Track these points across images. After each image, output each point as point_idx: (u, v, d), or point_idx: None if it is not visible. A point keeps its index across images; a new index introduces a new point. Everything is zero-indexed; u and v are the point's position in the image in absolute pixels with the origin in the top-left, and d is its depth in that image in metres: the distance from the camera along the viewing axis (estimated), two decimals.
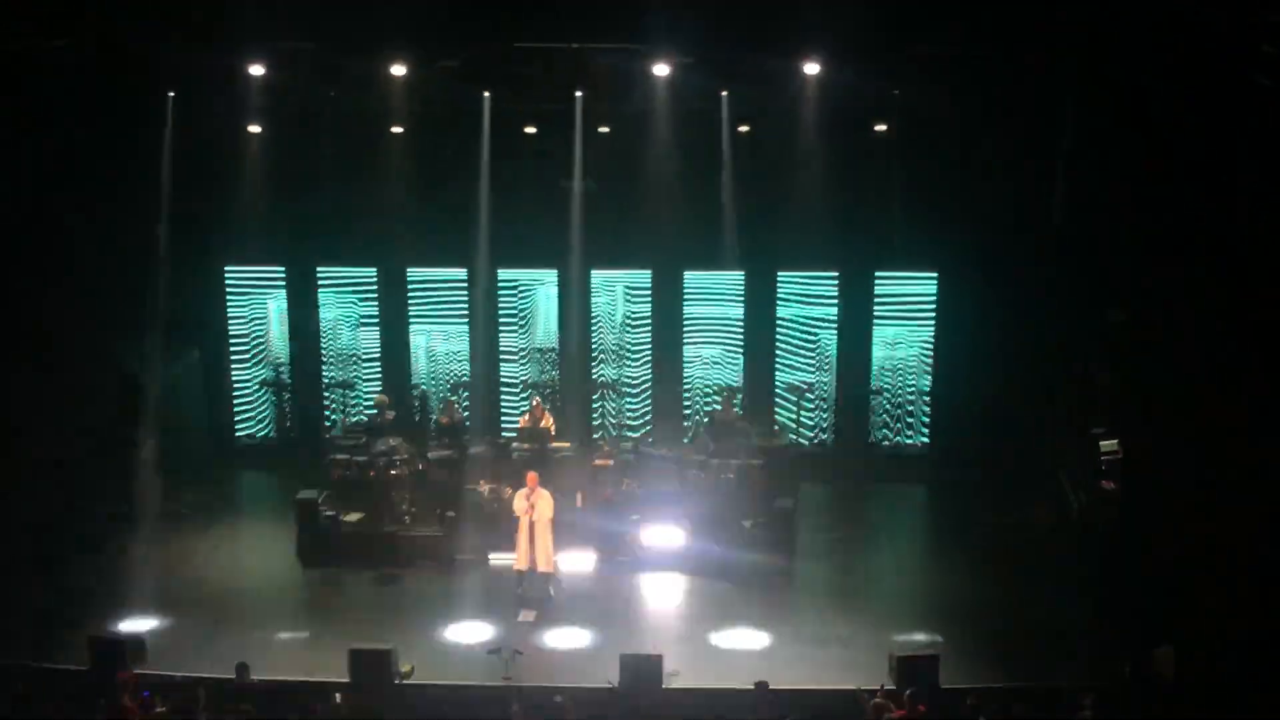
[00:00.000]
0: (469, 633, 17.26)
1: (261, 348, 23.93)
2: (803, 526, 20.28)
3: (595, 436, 22.92)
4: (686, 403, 23.55)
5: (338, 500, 20.11)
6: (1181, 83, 17.35)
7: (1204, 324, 17.83)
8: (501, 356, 23.67)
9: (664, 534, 19.45)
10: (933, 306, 22.83)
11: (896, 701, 14.13)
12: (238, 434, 24.02)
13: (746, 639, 17.13)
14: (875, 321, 23.03)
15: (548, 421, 21.10)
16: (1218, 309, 17.42)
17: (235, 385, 23.96)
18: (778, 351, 23.28)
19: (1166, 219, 18.25)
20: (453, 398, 22.33)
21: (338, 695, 15.03)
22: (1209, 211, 17.58)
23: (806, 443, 23.14)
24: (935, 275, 22.71)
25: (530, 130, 21.71)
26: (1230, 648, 15.34)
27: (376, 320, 23.78)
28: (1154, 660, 15.17)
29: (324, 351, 23.82)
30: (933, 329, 22.89)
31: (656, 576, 19.08)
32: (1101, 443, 19.51)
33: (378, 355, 23.87)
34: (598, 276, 23.30)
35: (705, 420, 22.16)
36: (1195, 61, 17.11)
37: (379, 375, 23.78)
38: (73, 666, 15.67)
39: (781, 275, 23.11)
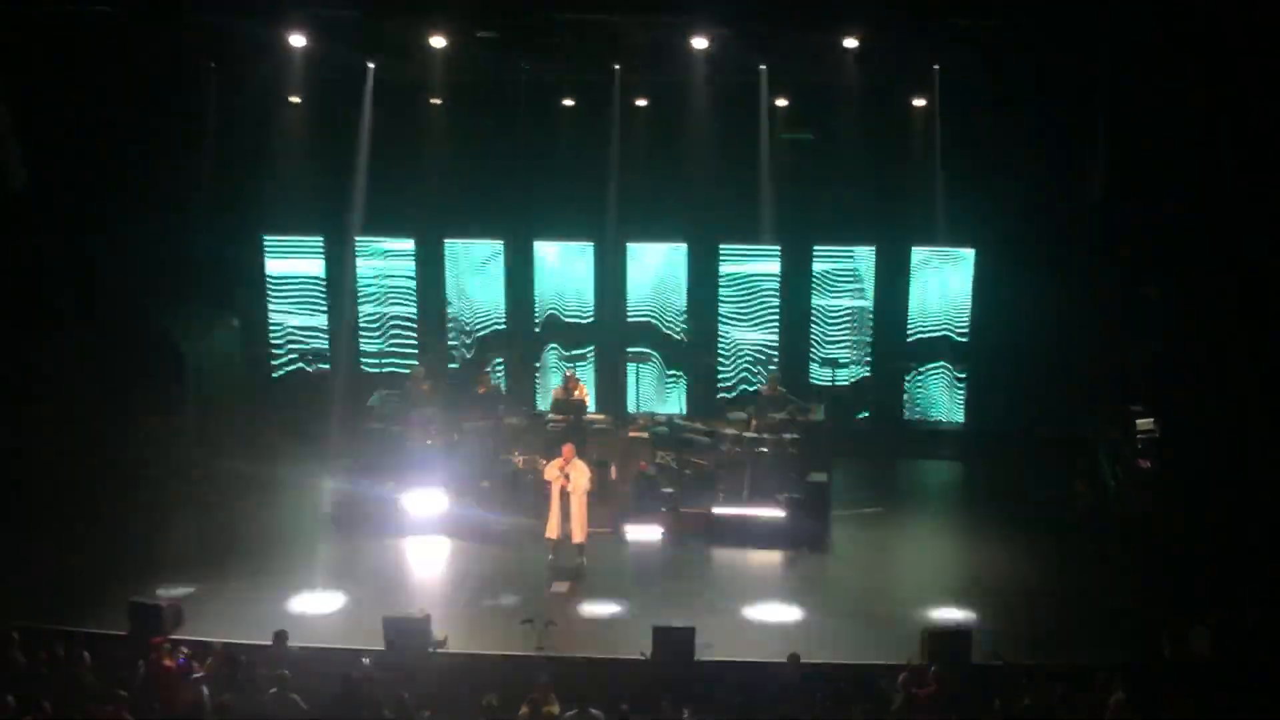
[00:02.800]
0: (503, 602, 17.33)
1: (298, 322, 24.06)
2: (837, 501, 20.25)
3: (630, 410, 22.94)
4: (722, 376, 23.53)
5: (373, 469, 20.21)
6: (1224, 58, 17.18)
7: (1242, 302, 17.72)
8: (537, 327, 23.69)
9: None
10: (970, 282, 22.70)
11: (925, 677, 14.13)
12: (275, 401, 24.14)
13: (779, 613, 17.14)
14: (912, 296, 22.95)
15: (581, 393, 21.13)
16: (1255, 287, 17.30)
17: (273, 355, 24.08)
18: (812, 326, 23.23)
19: (1208, 195, 18.11)
20: (487, 369, 22.38)
21: (366, 659, 15.14)
22: (1250, 189, 17.43)
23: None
24: (973, 250, 22.58)
25: (568, 103, 21.65)
26: (1266, 627, 15.26)
27: (414, 291, 23.83)
28: (1190, 640, 15.10)
29: (362, 322, 23.88)
30: (970, 304, 22.75)
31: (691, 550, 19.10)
32: (1138, 421, 19.39)
33: (413, 325, 23.94)
34: (633, 248, 23.28)
35: (752, 397, 22.07)
36: (1238, 36, 16.93)
37: (415, 346, 23.84)
38: (112, 631, 15.84)
39: (816, 249, 23.05)
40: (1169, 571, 17.37)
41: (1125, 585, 17.54)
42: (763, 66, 20.86)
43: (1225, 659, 14.78)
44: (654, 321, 23.59)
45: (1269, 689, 14.11)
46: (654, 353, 23.60)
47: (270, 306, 24.05)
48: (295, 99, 21.79)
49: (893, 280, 22.99)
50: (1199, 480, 18.18)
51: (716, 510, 19.44)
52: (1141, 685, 13.82)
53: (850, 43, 19.61)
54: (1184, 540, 17.78)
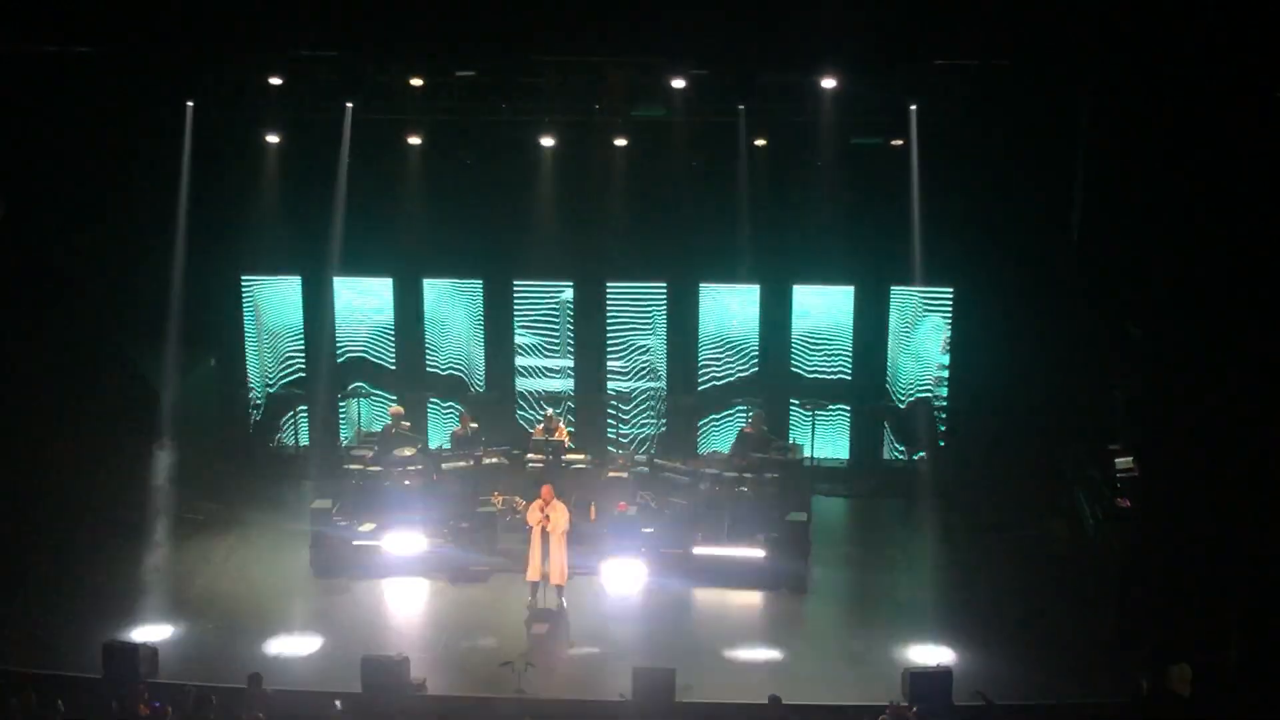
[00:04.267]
0: (481, 644, 17.22)
1: (276, 356, 23.97)
2: (816, 540, 20.20)
3: (609, 449, 22.89)
4: (701, 416, 23.52)
5: (351, 510, 20.11)
6: (1200, 95, 17.32)
7: (1222, 339, 17.77)
8: (517, 367, 23.64)
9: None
10: (948, 320, 22.77)
11: (907, 717, 14.09)
12: (252, 442, 24.00)
13: (760, 653, 17.08)
14: (891, 335, 23.00)
15: (562, 433, 21.11)
16: (1236, 324, 17.37)
17: (250, 393, 23.97)
18: (793, 364, 23.25)
19: (1185, 233, 18.21)
20: (465, 410, 22.30)
21: (338, 703, 15.01)
22: (1229, 226, 17.53)
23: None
24: (951, 290, 22.65)
25: (547, 142, 21.74)
26: (1246, 665, 15.26)
27: (392, 329, 23.78)
28: (1170, 677, 15.08)
29: (339, 360, 23.80)
30: (949, 343, 22.81)
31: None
32: (1118, 459, 19.42)
33: (392, 364, 23.87)
34: (614, 288, 23.30)
35: (735, 437, 22.00)
36: (1214, 74, 17.08)
37: (394, 385, 23.76)
38: (86, 674, 15.67)
39: (798, 288, 23.10)
40: (1148, 610, 17.35)
41: (1104, 623, 17.52)
42: (741, 106, 20.96)
43: (1204, 697, 14.76)
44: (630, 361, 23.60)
45: None
46: (634, 391, 23.54)
47: (249, 346, 23.90)
48: (274, 138, 21.80)
49: (873, 319, 23.00)
50: (1178, 519, 18.18)
51: (696, 550, 19.38)
52: None
53: (828, 83, 19.74)
54: (1163, 579, 17.78)
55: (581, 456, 21.14)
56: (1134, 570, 18.15)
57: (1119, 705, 14.62)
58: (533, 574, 18.09)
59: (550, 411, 21.75)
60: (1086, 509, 20.04)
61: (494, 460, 20.98)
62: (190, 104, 21.09)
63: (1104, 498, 19.49)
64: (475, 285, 23.50)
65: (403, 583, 19.25)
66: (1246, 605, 16.59)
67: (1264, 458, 16.36)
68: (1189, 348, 18.15)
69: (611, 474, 20.73)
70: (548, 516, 17.96)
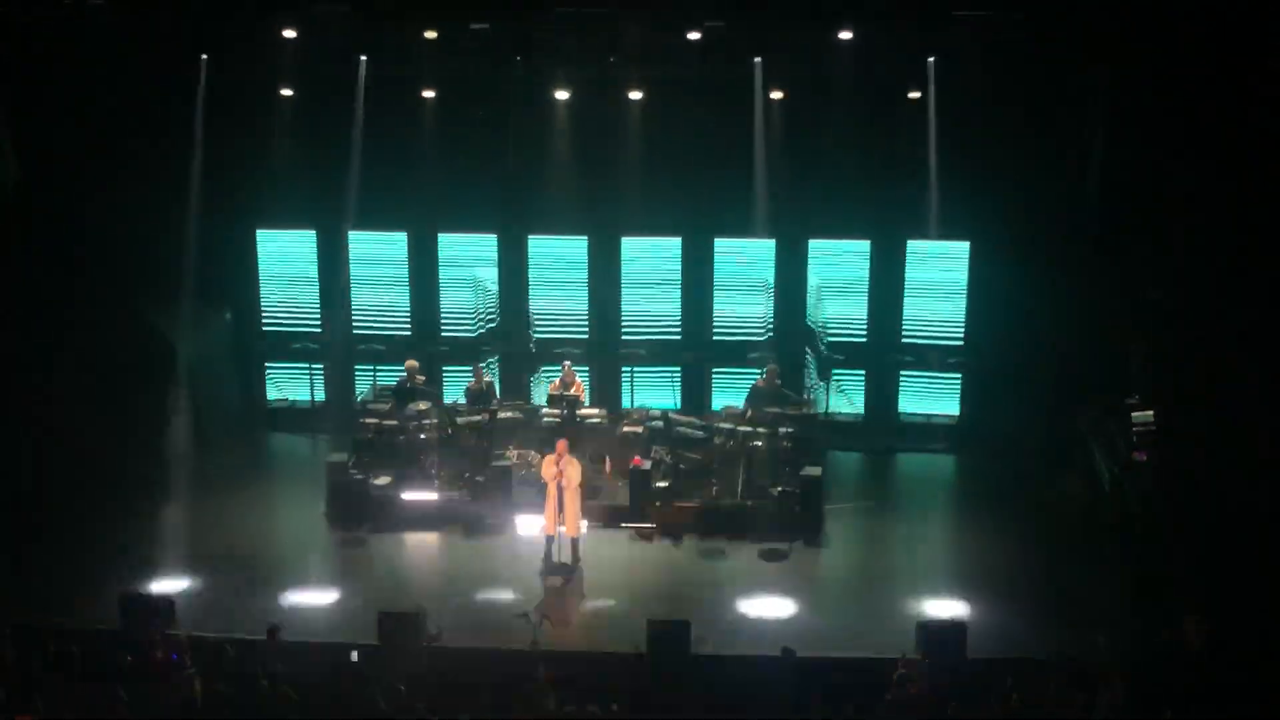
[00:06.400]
0: (497, 597, 17.29)
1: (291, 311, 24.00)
2: (831, 495, 20.22)
3: (625, 404, 22.88)
4: (715, 371, 23.49)
5: (367, 464, 20.17)
6: (1223, 50, 17.16)
7: (1241, 296, 17.69)
8: (534, 321, 23.61)
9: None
10: (965, 275, 22.66)
11: (918, 670, 14.11)
12: (269, 396, 24.07)
13: (774, 607, 17.12)
14: (907, 291, 22.91)
15: (578, 388, 21.10)
16: (1255, 280, 17.28)
17: (267, 348, 24.01)
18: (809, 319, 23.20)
19: (1206, 187, 18.09)
20: (481, 364, 22.30)
21: (354, 654, 15.10)
22: (1251, 183, 17.41)
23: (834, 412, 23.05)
24: (968, 243, 22.52)
25: (562, 96, 21.61)
26: (1260, 617, 15.26)
27: (407, 284, 23.75)
28: (1184, 630, 15.08)
29: (355, 315, 23.80)
30: (965, 298, 22.71)
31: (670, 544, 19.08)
32: (1134, 414, 19.36)
33: (408, 319, 23.87)
34: (628, 243, 23.22)
35: (748, 392, 21.98)
36: (1237, 30, 16.92)
37: (409, 339, 23.76)
38: (103, 625, 15.78)
39: (813, 242, 23.00)
40: (1164, 564, 17.34)
41: (1120, 578, 17.51)
42: (758, 59, 20.81)
43: (1219, 651, 14.76)
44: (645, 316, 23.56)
45: (1263, 682, 14.09)
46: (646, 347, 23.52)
47: (263, 295, 23.88)
48: (288, 92, 21.73)
49: (890, 273, 22.90)
50: (1195, 473, 18.15)
51: (711, 504, 19.40)
52: (1136, 677, 13.81)
53: (845, 35, 19.58)
54: (1179, 533, 17.75)
55: (597, 412, 21.14)
56: (1150, 525, 18.14)
57: (1135, 659, 14.59)
58: (548, 528, 18.14)
59: (567, 364, 21.65)
60: (1102, 463, 20.00)
61: (509, 414, 21.00)
62: (204, 58, 21.03)
63: (1120, 452, 19.45)
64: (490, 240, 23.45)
65: (418, 536, 19.33)
66: (1263, 559, 16.58)
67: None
68: (1208, 302, 18.08)
69: (626, 429, 20.74)
70: (562, 471, 17.98)
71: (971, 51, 20.05)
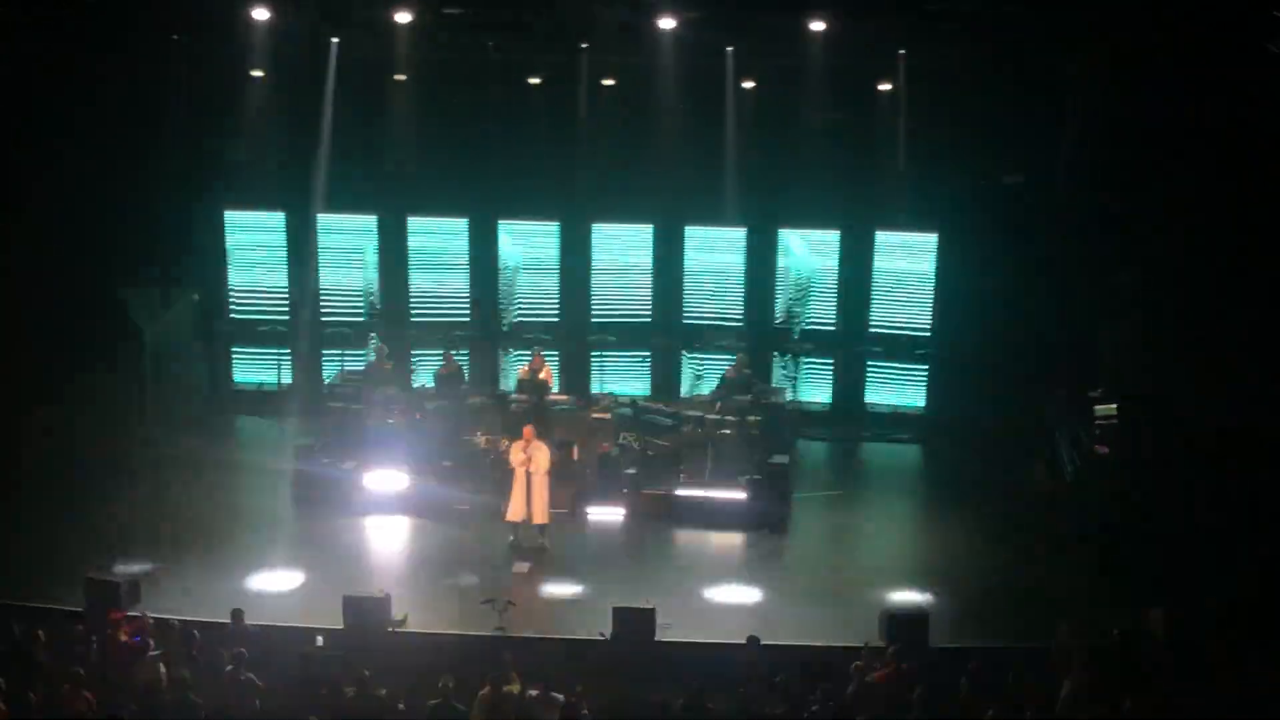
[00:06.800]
0: (463, 582, 17.29)
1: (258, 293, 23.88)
2: (798, 483, 20.30)
3: (593, 390, 22.91)
4: (686, 358, 23.53)
5: (334, 447, 20.11)
6: (1193, 42, 17.27)
7: (1210, 287, 17.82)
8: (500, 306, 23.60)
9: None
10: (933, 265, 22.75)
11: (881, 659, 14.17)
12: (235, 379, 23.97)
13: (739, 594, 17.18)
14: (875, 281, 22.99)
15: (547, 373, 21.09)
16: (1223, 271, 17.41)
17: (233, 330, 23.89)
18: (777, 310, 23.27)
19: (1174, 180, 18.21)
20: (450, 349, 22.26)
21: (319, 639, 15.08)
22: (1218, 175, 17.53)
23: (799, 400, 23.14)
24: (936, 234, 22.62)
25: (534, 81, 21.58)
26: (1220, 609, 15.40)
27: (376, 267, 23.67)
28: (1145, 621, 15.21)
29: (322, 298, 23.71)
30: (932, 288, 22.80)
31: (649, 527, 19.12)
32: (1097, 407, 19.50)
33: (373, 302, 23.78)
34: (599, 230, 23.22)
35: (718, 380, 22.03)
36: (1208, 22, 17.02)
37: (378, 323, 23.69)
38: (68, 607, 15.71)
39: (783, 231, 23.05)
40: (1126, 556, 17.48)
41: (1082, 569, 17.65)
42: (729, 48, 20.83)
43: (1180, 641, 14.89)
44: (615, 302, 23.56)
45: (1221, 672, 14.22)
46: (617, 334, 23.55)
47: (231, 277, 23.75)
48: (259, 73, 21.62)
49: (858, 263, 22.98)
50: (1156, 466, 18.30)
51: (678, 491, 19.46)
52: (1096, 667, 13.91)
53: (817, 26, 19.63)
54: (1141, 525, 17.90)
55: (565, 397, 21.15)
56: (1111, 516, 18.28)
57: (1095, 649, 14.70)
58: (515, 513, 18.13)
59: (537, 350, 21.65)
60: (1066, 455, 20.15)
61: (477, 400, 20.98)
62: (175, 38, 20.89)
63: (1083, 444, 19.60)
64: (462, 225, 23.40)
65: (385, 520, 19.30)
66: (1223, 551, 16.74)
67: (1246, 405, 16.44)
68: (1176, 294, 18.21)
69: (595, 415, 20.75)
70: (530, 456, 17.98)
71: (941, 43, 20.11)
